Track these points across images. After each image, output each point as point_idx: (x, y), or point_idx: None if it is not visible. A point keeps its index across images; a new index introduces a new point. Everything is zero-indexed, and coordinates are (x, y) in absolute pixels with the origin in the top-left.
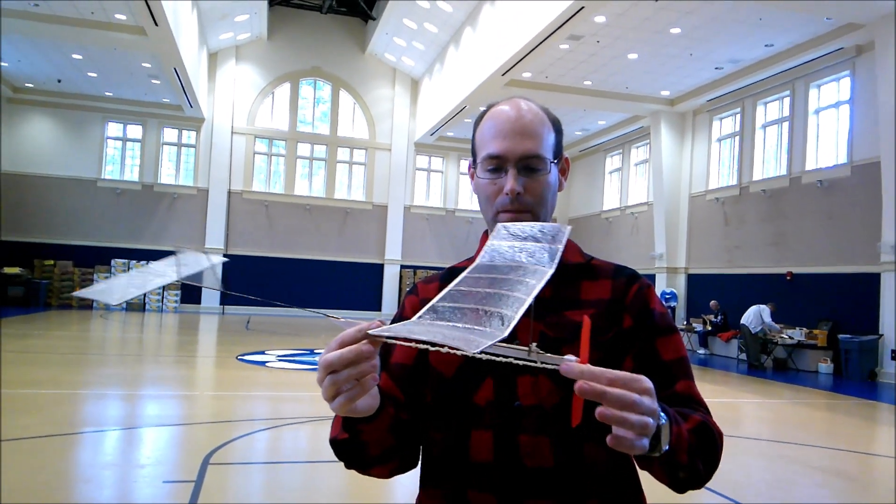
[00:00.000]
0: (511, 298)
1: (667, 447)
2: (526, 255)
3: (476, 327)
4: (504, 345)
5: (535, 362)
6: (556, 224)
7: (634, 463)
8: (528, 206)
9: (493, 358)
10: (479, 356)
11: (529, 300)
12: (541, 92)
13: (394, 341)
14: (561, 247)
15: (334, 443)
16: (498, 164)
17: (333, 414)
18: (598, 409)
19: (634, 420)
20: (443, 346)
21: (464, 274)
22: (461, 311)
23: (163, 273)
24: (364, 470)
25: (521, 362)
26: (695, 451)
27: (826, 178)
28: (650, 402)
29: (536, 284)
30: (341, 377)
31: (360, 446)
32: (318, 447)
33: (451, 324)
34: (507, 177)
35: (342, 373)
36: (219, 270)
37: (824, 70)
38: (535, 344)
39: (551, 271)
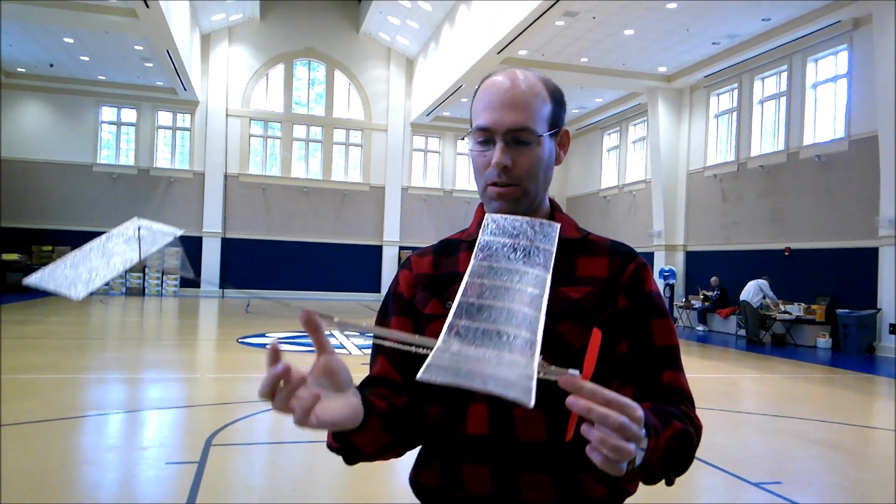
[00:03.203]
0: (521, 315)
1: (639, 463)
2: (522, 256)
3: (505, 354)
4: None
5: (540, 373)
6: (545, 220)
7: None
8: (516, 180)
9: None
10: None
11: (542, 313)
12: (537, 70)
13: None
14: (553, 247)
15: (329, 447)
16: (487, 137)
17: None
18: (584, 426)
19: (615, 444)
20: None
21: (465, 279)
22: (482, 333)
23: (123, 252)
24: (368, 461)
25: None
26: (669, 458)
27: (824, 153)
28: (637, 429)
29: (542, 295)
30: (277, 403)
31: (354, 451)
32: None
33: (478, 348)
34: (495, 149)
35: (276, 399)
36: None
37: (821, 44)
38: (541, 356)
39: (549, 276)
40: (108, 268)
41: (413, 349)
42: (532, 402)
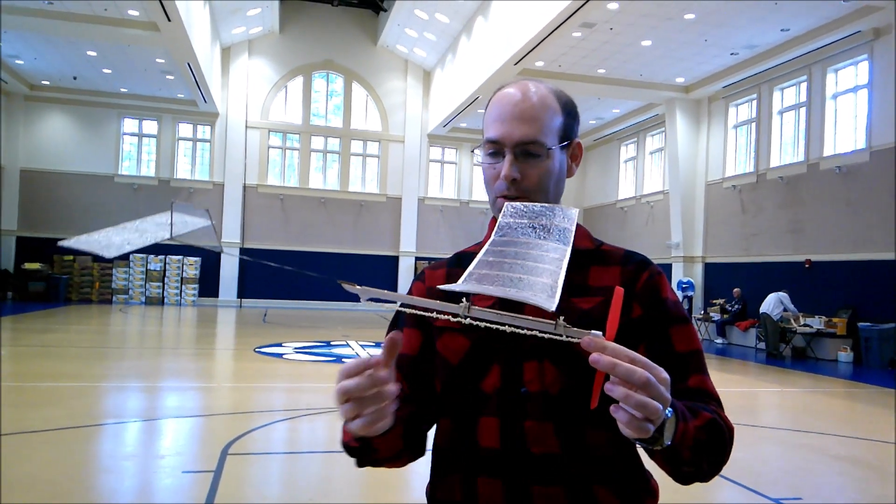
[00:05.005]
0: (541, 269)
1: (669, 442)
2: (541, 233)
3: (525, 292)
4: (530, 318)
5: (562, 336)
6: (564, 206)
7: (640, 450)
8: (525, 193)
9: (518, 330)
10: (506, 329)
11: (563, 270)
12: (554, 81)
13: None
14: (572, 226)
15: (346, 446)
16: (496, 149)
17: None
18: (607, 383)
19: (640, 400)
20: (497, 323)
21: (485, 247)
22: (502, 277)
23: (156, 230)
24: (375, 466)
25: (546, 335)
26: (701, 448)
27: (844, 164)
28: (663, 389)
29: (562, 259)
30: (362, 406)
31: (371, 453)
32: (334, 437)
33: (498, 287)
34: (504, 162)
35: (363, 403)
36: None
37: (841, 54)
38: (561, 318)
39: (569, 249)
40: (141, 239)
41: (434, 315)
42: (553, 306)
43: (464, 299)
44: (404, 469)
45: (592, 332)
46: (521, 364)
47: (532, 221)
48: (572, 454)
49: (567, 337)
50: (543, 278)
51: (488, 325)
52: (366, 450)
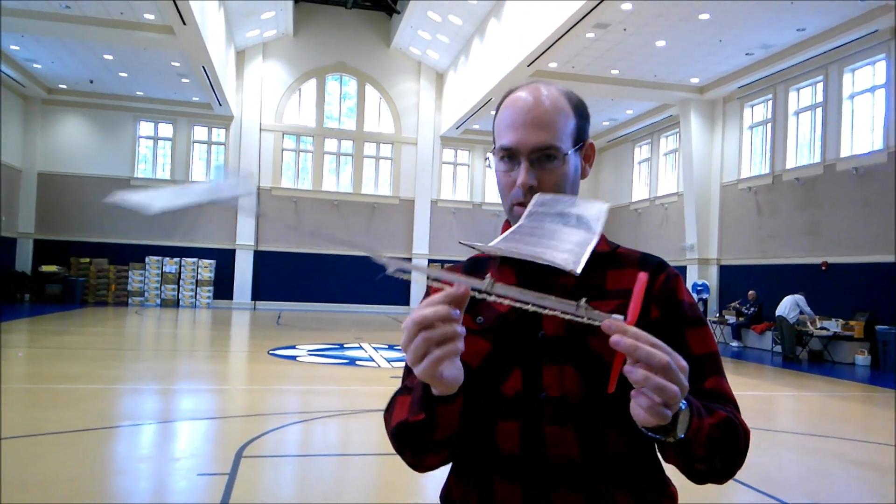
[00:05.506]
0: (569, 244)
1: (682, 435)
2: (570, 220)
3: (550, 252)
4: (554, 298)
5: (583, 318)
6: (591, 198)
7: (658, 455)
8: None
9: (540, 310)
10: (529, 308)
11: (590, 246)
12: (567, 82)
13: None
14: (600, 218)
15: (404, 426)
16: (511, 156)
17: (364, 408)
18: (626, 366)
19: (659, 382)
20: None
21: (514, 227)
22: (531, 243)
23: (201, 194)
24: (418, 458)
25: (567, 316)
26: (714, 446)
27: (861, 165)
28: (682, 376)
29: (588, 242)
30: (435, 334)
31: (430, 429)
32: (348, 440)
33: (528, 247)
34: (520, 169)
35: (436, 330)
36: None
37: (858, 54)
38: (584, 300)
39: (596, 236)
40: (184, 198)
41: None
42: (579, 269)
43: (488, 276)
44: (418, 472)
45: (613, 315)
46: (541, 368)
47: (561, 210)
48: (592, 460)
49: (588, 319)
50: (570, 248)
51: (511, 301)
52: (428, 423)
